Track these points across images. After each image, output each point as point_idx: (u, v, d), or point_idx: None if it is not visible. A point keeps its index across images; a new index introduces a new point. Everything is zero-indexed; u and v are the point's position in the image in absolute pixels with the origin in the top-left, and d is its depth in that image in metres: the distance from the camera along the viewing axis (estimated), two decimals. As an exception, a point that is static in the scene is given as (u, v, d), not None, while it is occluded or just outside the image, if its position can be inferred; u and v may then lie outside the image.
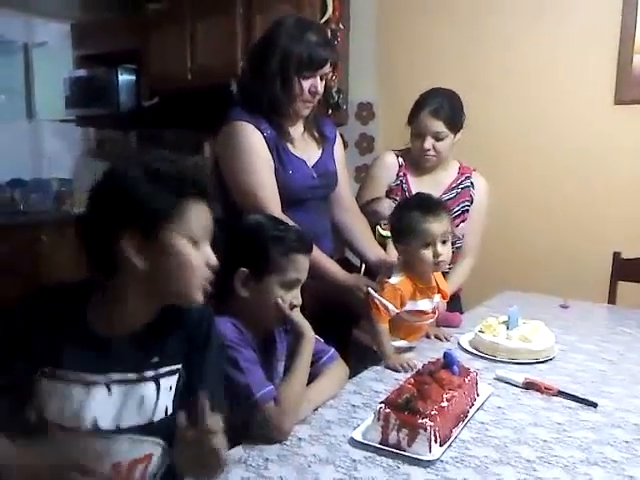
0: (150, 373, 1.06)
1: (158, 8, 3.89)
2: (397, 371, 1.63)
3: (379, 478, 1.13)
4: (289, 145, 1.82)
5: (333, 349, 1.50)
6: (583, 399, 1.47)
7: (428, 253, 1.71)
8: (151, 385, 1.07)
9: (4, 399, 1.01)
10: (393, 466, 1.17)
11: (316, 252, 1.74)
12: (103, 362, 1.03)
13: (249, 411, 1.24)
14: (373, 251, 1.95)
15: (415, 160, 2.22)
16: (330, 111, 3.33)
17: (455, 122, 2.15)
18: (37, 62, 4.49)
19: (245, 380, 1.25)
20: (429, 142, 2.12)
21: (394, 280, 1.73)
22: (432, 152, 2.13)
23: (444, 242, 1.73)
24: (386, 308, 1.69)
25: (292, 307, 1.38)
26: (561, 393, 1.51)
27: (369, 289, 1.72)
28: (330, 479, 1.12)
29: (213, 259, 1.06)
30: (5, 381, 1.02)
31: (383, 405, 1.25)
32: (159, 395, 1.07)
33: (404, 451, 1.20)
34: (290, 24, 1.76)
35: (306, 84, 1.75)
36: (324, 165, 1.90)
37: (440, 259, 1.72)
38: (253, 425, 1.25)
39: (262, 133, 1.76)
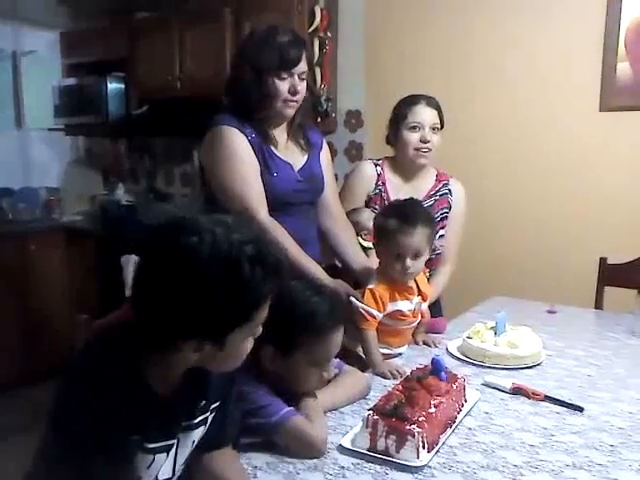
0: (200, 417, 1.06)
1: (147, 17, 3.90)
2: (386, 378, 1.64)
3: (367, 485, 1.14)
4: (274, 148, 1.83)
5: (337, 360, 1.47)
6: (570, 404, 1.49)
7: (397, 265, 1.72)
8: (202, 428, 1.07)
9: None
10: (381, 472, 1.18)
11: (299, 253, 1.76)
12: (169, 424, 1.00)
13: (274, 432, 1.23)
14: (357, 259, 1.95)
15: (402, 166, 2.23)
16: (319, 119, 3.35)
17: (443, 120, 2.19)
18: (26, 71, 4.46)
19: (265, 403, 1.24)
20: (428, 133, 2.14)
21: (371, 285, 1.75)
22: (429, 145, 2.15)
23: (416, 256, 1.73)
24: (371, 314, 1.70)
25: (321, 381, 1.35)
26: (548, 398, 1.52)
27: (351, 298, 1.72)
28: (319, 486, 1.13)
29: None
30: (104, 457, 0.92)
31: (371, 412, 1.26)
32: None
33: (392, 457, 1.21)
34: (260, 31, 1.82)
35: (284, 85, 1.77)
36: (310, 169, 1.91)
37: (408, 272, 1.73)
38: (284, 446, 1.23)
39: (246, 137, 1.77)
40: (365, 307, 1.70)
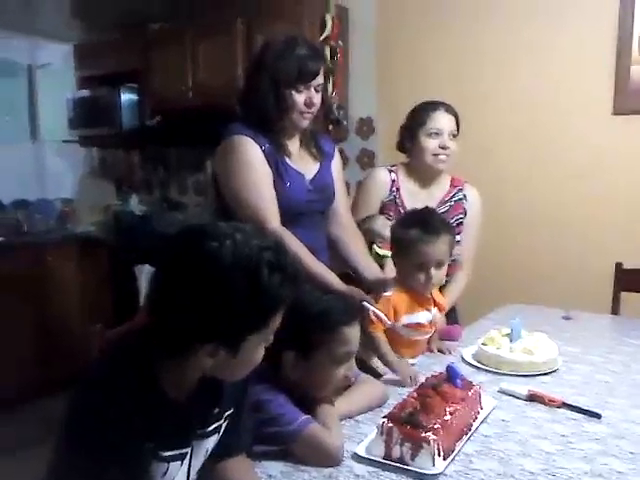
0: (214, 425, 1.06)
1: (160, 28, 3.93)
2: (403, 381, 1.62)
3: (383, 493, 1.13)
4: (287, 158, 1.83)
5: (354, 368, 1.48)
6: (587, 410, 1.47)
7: (420, 275, 1.71)
8: (215, 436, 1.07)
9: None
10: (396, 480, 1.17)
11: (314, 261, 1.75)
12: (183, 432, 1.00)
13: (290, 441, 1.22)
14: (369, 269, 1.93)
15: (417, 173, 2.22)
16: (331, 127, 3.36)
17: (460, 124, 2.18)
18: (41, 83, 4.53)
19: (281, 412, 1.24)
20: (447, 139, 2.14)
21: (388, 293, 1.75)
22: (448, 151, 2.14)
23: (439, 265, 1.72)
24: (379, 318, 1.69)
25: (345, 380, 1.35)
26: (565, 405, 1.50)
27: (364, 303, 1.70)
28: (334, 495, 1.12)
29: None
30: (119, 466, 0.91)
31: (386, 419, 1.25)
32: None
33: (408, 465, 1.20)
34: (278, 42, 1.81)
35: (300, 97, 1.77)
36: (322, 179, 1.91)
37: (431, 282, 1.72)
38: (301, 455, 1.23)
39: (260, 147, 1.78)
40: (375, 310, 1.69)
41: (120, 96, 4.08)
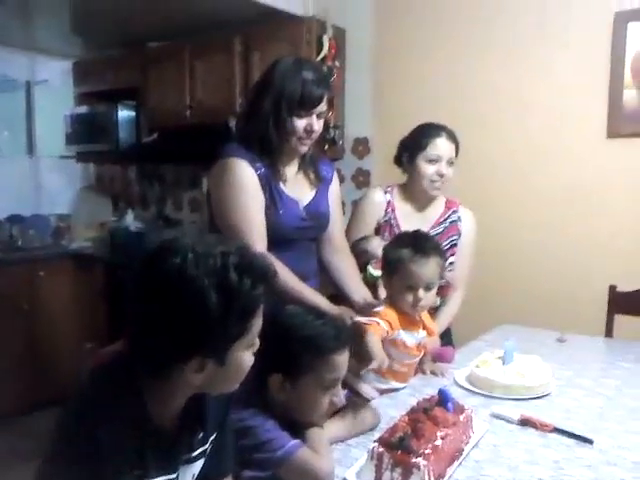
0: (199, 449, 1.05)
1: (158, 46, 3.96)
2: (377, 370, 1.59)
3: (372, 520, 1.12)
4: (282, 184, 1.82)
5: (345, 391, 1.45)
6: (579, 436, 1.46)
7: (409, 296, 1.71)
8: (201, 461, 1.06)
9: None
10: (387, 507, 1.16)
11: (299, 284, 1.74)
12: (169, 458, 0.99)
13: (279, 466, 1.21)
14: (359, 292, 1.91)
15: (413, 194, 2.23)
16: (327, 146, 3.37)
17: (458, 150, 2.19)
18: (38, 99, 4.55)
19: (269, 437, 1.22)
20: (445, 167, 2.14)
21: (379, 308, 1.74)
22: (444, 178, 2.15)
23: (428, 288, 1.72)
24: (377, 323, 1.67)
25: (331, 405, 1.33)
26: (557, 430, 1.50)
27: (355, 318, 1.68)
28: (323, 521, 1.11)
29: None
30: None
31: (377, 444, 1.24)
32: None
33: (397, 491, 1.18)
34: (287, 63, 1.78)
35: (301, 123, 1.75)
36: (316, 206, 1.90)
37: (420, 304, 1.71)
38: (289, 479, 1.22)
39: (255, 171, 1.76)
40: (371, 318, 1.68)
41: (118, 113, 4.10)
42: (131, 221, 4.40)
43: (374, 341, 1.60)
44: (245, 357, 0.98)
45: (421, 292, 1.70)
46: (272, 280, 0.98)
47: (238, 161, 1.76)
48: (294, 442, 1.24)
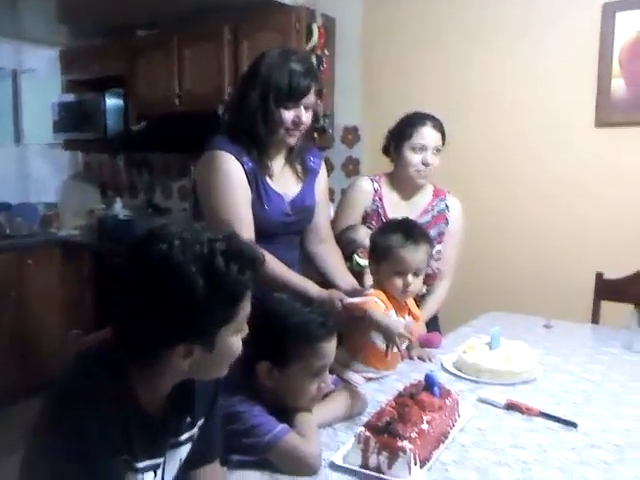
0: (187, 434, 1.05)
1: (146, 35, 3.93)
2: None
3: (359, 502, 1.13)
4: (268, 179, 1.80)
5: (334, 376, 1.48)
6: (564, 420, 1.48)
7: (398, 281, 1.72)
8: (188, 446, 1.07)
9: None
10: (373, 490, 1.17)
11: (288, 271, 1.75)
12: (157, 443, 0.99)
13: (267, 451, 1.22)
14: (345, 280, 1.91)
15: (400, 183, 2.23)
16: (316, 135, 3.37)
17: (445, 138, 2.19)
18: (25, 88, 4.52)
19: (257, 422, 1.23)
20: (431, 156, 2.14)
21: (369, 292, 1.75)
22: (430, 167, 2.15)
23: (416, 274, 1.73)
24: (374, 301, 1.68)
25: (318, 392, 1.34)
26: (542, 414, 1.51)
27: (347, 299, 1.68)
28: (309, 503, 1.12)
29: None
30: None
31: (364, 428, 1.25)
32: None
33: (384, 474, 1.20)
34: (274, 54, 1.76)
35: (289, 115, 1.73)
36: (302, 201, 1.88)
37: (408, 289, 1.73)
38: (278, 463, 1.22)
39: (242, 165, 1.74)
40: (363, 298, 1.68)
41: (105, 101, 4.07)
42: (119, 209, 4.38)
43: (380, 315, 1.63)
44: (233, 342, 0.98)
45: (410, 277, 1.71)
46: (260, 267, 0.98)
47: (225, 154, 1.74)
48: (282, 427, 1.24)
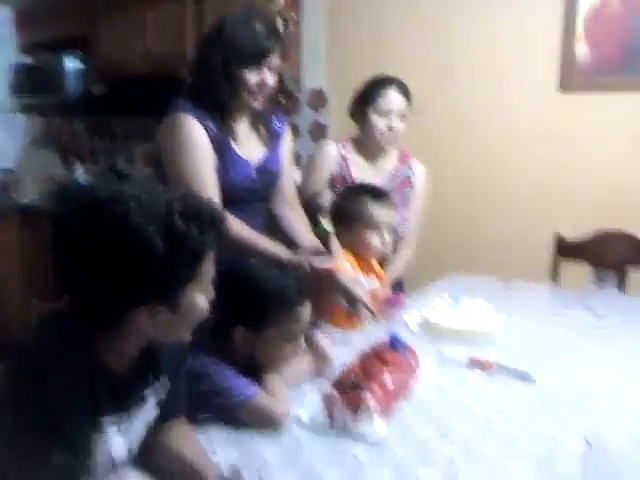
0: (152, 394, 1.05)
1: (106, -7, 3.80)
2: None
3: (323, 456, 1.16)
4: (232, 144, 1.77)
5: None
6: (522, 375, 1.53)
7: (375, 238, 1.74)
8: (154, 407, 1.07)
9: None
10: (337, 444, 1.20)
11: (256, 236, 1.74)
12: (123, 404, 0.99)
13: (236, 410, 1.23)
14: (308, 239, 1.91)
15: (366, 147, 2.23)
16: (282, 99, 3.33)
17: (411, 103, 2.19)
18: (-21, 48, 4.34)
19: (229, 385, 1.25)
20: (396, 120, 2.14)
21: (335, 259, 1.75)
22: (395, 132, 2.15)
23: (388, 231, 1.76)
24: (342, 264, 1.69)
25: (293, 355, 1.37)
26: (501, 370, 1.56)
27: (315, 263, 1.69)
28: (275, 458, 1.14)
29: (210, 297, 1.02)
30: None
31: (329, 385, 1.28)
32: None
33: (349, 430, 1.22)
34: (237, 15, 1.73)
35: (252, 77, 1.70)
36: (267, 165, 1.86)
37: (385, 245, 1.75)
38: (247, 421, 1.24)
39: (206, 129, 1.71)
40: (330, 262, 1.70)
41: (64, 63, 3.94)
42: (81, 175, 4.29)
43: (345, 279, 1.64)
44: (198, 302, 0.98)
45: (386, 234, 1.74)
46: (221, 225, 0.98)
47: (188, 118, 1.71)
48: (253, 389, 1.26)
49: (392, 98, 2.14)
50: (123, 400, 0.99)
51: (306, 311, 1.36)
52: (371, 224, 1.73)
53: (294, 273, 1.39)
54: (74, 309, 0.94)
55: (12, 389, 0.90)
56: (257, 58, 1.70)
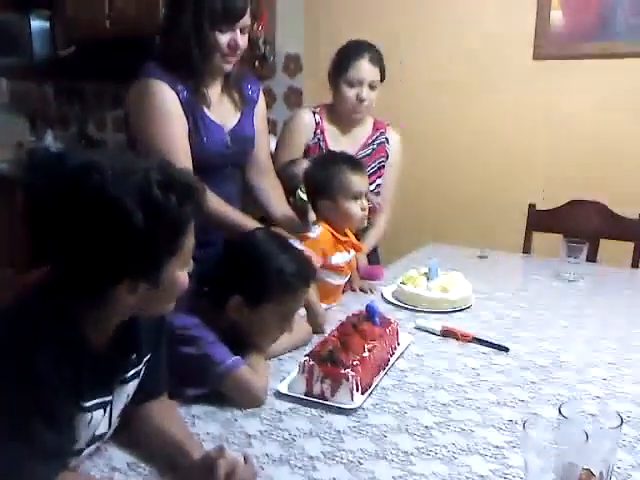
0: (133, 370, 1.04)
1: (72, -51, 3.65)
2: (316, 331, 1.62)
3: (303, 428, 1.17)
4: (205, 109, 1.74)
5: None
6: (496, 344, 1.57)
7: (355, 207, 1.74)
8: (135, 381, 1.06)
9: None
10: (317, 415, 1.22)
11: (226, 207, 1.73)
12: (104, 380, 0.98)
13: (218, 382, 1.23)
14: (285, 214, 1.92)
15: (339, 115, 2.21)
16: (257, 63, 3.27)
17: (384, 73, 2.17)
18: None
19: (211, 351, 1.24)
20: (366, 91, 2.12)
21: (314, 234, 1.74)
22: (366, 102, 2.14)
23: (367, 199, 1.77)
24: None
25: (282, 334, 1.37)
26: (476, 340, 1.60)
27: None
28: (255, 431, 1.16)
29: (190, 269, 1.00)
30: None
31: (307, 358, 1.29)
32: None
33: (327, 401, 1.25)
34: None
35: (224, 38, 1.67)
36: (241, 131, 1.84)
37: (365, 213, 1.76)
38: (227, 394, 1.24)
39: (177, 94, 1.68)
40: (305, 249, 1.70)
41: (30, 23, 3.79)
42: (51, 141, 4.19)
43: (314, 300, 1.65)
44: (179, 276, 0.96)
45: (365, 201, 1.75)
46: (201, 197, 0.96)
47: (158, 83, 1.67)
48: (235, 359, 1.26)
49: (362, 69, 2.11)
50: (106, 383, 0.99)
51: (305, 295, 1.39)
52: (352, 194, 1.73)
53: (298, 255, 1.39)
54: (55, 281, 0.92)
55: None
56: (230, 19, 1.66)
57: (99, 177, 0.85)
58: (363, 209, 1.75)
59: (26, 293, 0.95)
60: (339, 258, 1.78)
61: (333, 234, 1.75)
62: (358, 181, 1.74)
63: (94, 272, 0.88)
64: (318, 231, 1.75)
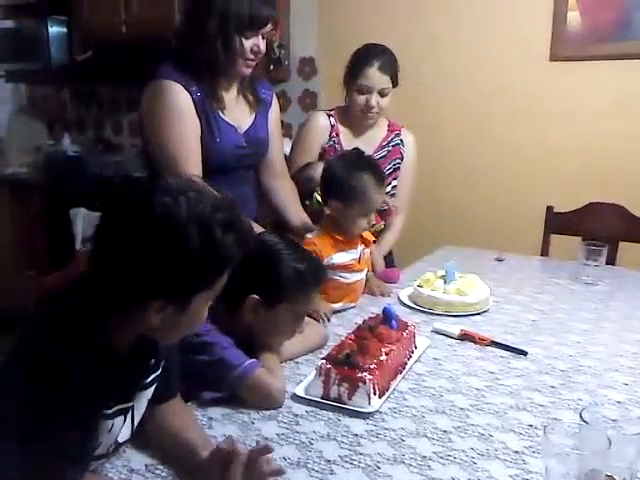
0: (152, 376, 1.05)
1: (89, -44, 3.69)
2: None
3: (320, 431, 1.17)
4: (219, 110, 1.76)
5: None
6: (514, 348, 1.55)
7: (364, 221, 1.74)
8: (154, 387, 1.06)
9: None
10: (334, 419, 1.21)
11: None
12: (126, 387, 0.99)
13: (236, 385, 1.24)
14: (298, 216, 1.92)
15: (352, 118, 2.21)
16: (272, 67, 3.28)
17: (397, 78, 2.16)
18: (-42, 12, 4.20)
19: (227, 356, 1.24)
20: (376, 98, 2.11)
21: (310, 235, 1.77)
22: (376, 109, 2.13)
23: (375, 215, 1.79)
24: None
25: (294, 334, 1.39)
26: (494, 343, 1.58)
27: None
28: (273, 434, 1.16)
29: None
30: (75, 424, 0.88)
31: (324, 361, 1.29)
32: None
33: (345, 404, 1.24)
34: None
35: (248, 43, 1.69)
36: (255, 132, 1.86)
37: (368, 227, 1.78)
38: (245, 397, 1.25)
39: (191, 95, 1.70)
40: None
41: (48, 28, 3.83)
42: (68, 145, 4.22)
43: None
44: (203, 309, 0.99)
45: (373, 216, 1.75)
46: (250, 243, 0.99)
47: (172, 84, 1.69)
48: (251, 361, 1.26)
49: (371, 77, 2.10)
50: (127, 389, 0.99)
51: (318, 294, 1.43)
52: (367, 209, 1.73)
53: (311, 256, 1.43)
54: (92, 286, 0.93)
55: (26, 376, 0.88)
56: (255, 26, 1.69)
57: (171, 199, 0.88)
58: (369, 224, 1.76)
59: (56, 296, 0.96)
60: (342, 257, 1.77)
61: (332, 236, 1.75)
62: (378, 200, 1.75)
63: (137, 284, 0.89)
64: (316, 233, 1.77)
